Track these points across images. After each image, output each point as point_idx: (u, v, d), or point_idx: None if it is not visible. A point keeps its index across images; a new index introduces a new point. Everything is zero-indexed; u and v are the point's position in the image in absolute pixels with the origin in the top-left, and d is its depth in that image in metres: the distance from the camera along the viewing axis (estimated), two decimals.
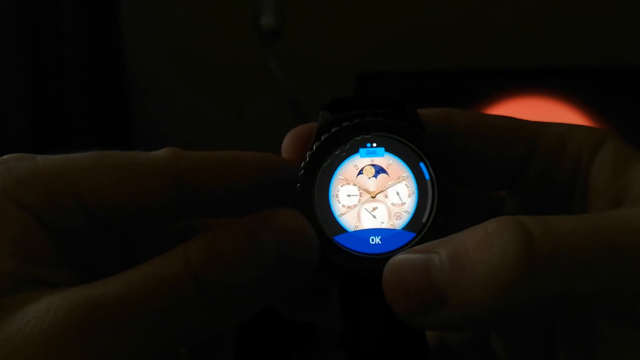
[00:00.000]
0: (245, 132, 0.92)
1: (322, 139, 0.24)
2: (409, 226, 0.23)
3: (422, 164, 0.24)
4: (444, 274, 0.21)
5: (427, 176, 0.24)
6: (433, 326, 0.22)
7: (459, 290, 0.20)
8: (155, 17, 0.96)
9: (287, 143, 0.26)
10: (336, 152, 0.24)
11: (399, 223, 0.24)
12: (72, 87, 0.82)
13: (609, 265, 0.20)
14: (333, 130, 0.24)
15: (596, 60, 0.89)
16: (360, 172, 0.24)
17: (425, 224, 0.24)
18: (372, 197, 0.24)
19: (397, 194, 0.24)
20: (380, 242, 0.24)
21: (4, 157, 0.23)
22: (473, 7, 0.94)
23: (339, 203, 0.24)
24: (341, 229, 0.24)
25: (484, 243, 0.20)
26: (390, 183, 0.24)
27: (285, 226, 0.21)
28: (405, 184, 0.24)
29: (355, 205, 0.24)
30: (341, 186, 0.24)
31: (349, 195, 0.24)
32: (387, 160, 0.24)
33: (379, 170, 0.24)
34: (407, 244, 0.23)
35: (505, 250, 0.20)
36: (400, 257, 0.22)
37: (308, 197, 0.24)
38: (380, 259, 0.23)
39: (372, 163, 0.24)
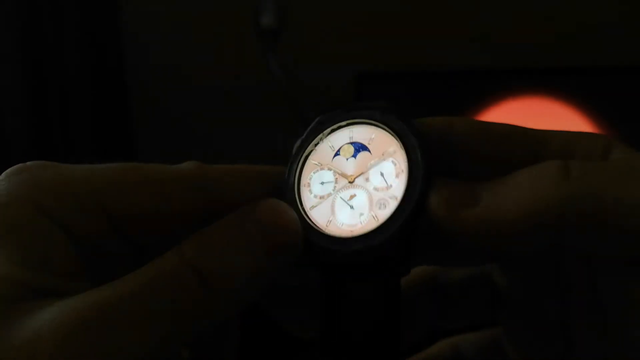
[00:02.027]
0: (245, 132, 0.92)
1: (306, 130, 0.23)
2: (397, 216, 0.20)
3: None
4: (486, 188, 0.22)
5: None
6: (462, 225, 0.22)
7: (493, 196, 0.22)
8: (155, 17, 0.96)
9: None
10: (319, 143, 0.22)
11: (383, 213, 0.20)
12: (72, 87, 0.83)
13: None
14: (315, 120, 0.23)
15: (596, 60, 0.89)
16: (337, 153, 0.21)
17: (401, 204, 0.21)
18: (350, 182, 0.20)
19: (382, 174, 0.20)
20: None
21: (27, 163, 0.23)
22: (473, 7, 0.94)
23: (311, 194, 0.21)
24: (312, 227, 0.21)
25: (528, 170, 0.22)
26: (372, 162, 0.20)
27: (269, 214, 0.22)
28: (393, 161, 0.20)
29: (329, 195, 0.21)
30: (313, 172, 0.21)
31: (322, 183, 0.21)
32: (369, 133, 0.20)
33: (359, 147, 0.20)
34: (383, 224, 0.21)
35: (544, 168, 0.22)
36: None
37: (292, 186, 0.22)
38: (354, 237, 0.21)
39: (350, 141, 0.21)
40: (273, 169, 0.25)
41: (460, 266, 0.29)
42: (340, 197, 0.20)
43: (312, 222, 0.21)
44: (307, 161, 0.21)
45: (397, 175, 0.19)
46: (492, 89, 0.82)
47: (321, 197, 0.20)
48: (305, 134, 0.23)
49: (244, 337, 0.28)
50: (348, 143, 0.20)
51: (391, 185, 0.19)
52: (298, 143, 0.23)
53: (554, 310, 0.26)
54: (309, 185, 0.21)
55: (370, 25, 0.94)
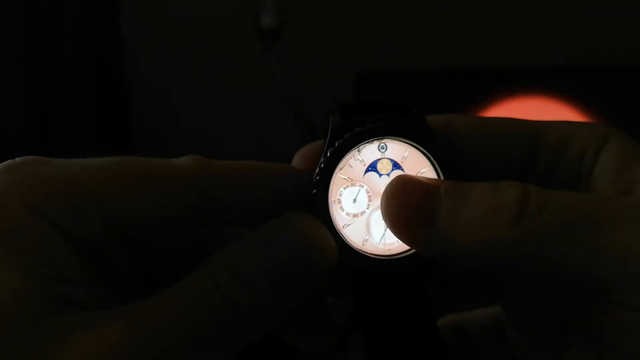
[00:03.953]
0: (245, 131, 0.92)
1: (336, 144, 0.23)
2: None
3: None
4: (443, 200, 0.21)
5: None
6: (415, 241, 0.22)
7: (449, 218, 0.21)
8: (155, 17, 0.96)
9: (297, 161, 0.26)
10: (350, 158, 0.23)
11: None
12: (72, 87, 0.82)
13: (588, 234, 0.21)
14: (346, 135, 0.23)
15: (596, 60, 0.89)
16: (370, 169, 0.21)
17: None
18: None
19: None
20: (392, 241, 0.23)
21: (17, 160, 0.22)
22: (473, 7, 0.94)
23: (342, 211, 0.21)
24: (347, 247, 0.21)
25: (489, 191, 0.21)
26: None
27: (303, 236, 0.21)
28: None
29: (362, 213, 0.21)
30: (344, 188, 0.21)
31: (354, 201, 0.21)
32: (402, 151, 0.21)
33: (393, 165, 0.21)
34: None
35: (504, 200, 0.21)
36: (409, 174, 0.22)
37: (325, 203, 0.22)
38: (397, 258, 0.23)
39: (383, 156, 0.21)
40: (278, 167, 0.24)
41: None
42: (376, 216, 0.20)
43: (347, 241, 0.21)
44: (336, 175, 0.21)
45: None
46: (492, 89, 0.82)
47: (354, 215, 0.20)
48: (333, 147, 0.23)
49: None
50: (386, 159, 0.20)
51: None
52: (325, 154, 0.23)
53: (553, 301, 0.26)
54: (339, 202, 0.21)
55: (370, 25, 0.94)
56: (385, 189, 0.21)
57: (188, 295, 0.20)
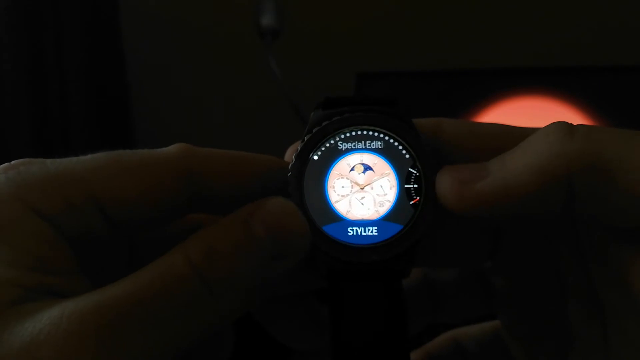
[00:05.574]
0: (245, 131, 0.92)
1: (314, 131, 0.26)
2: (392, 214, 0.27)
3: (410, 159, 0.26)
4: (492, 162, 0.24)
5: (415, 171, 0.26)
6: (474, 198, 0.23)
7: (502, 164, 0.23)
8: (155, 17, 0.96)
9: (289, 157, 0.27)
10: (326, 144, 0.26)
11: (382, 210, 0.27)
12: (72, 88, 0.83)
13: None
14: (324, 123, 0.26)
15: (596, 60, 0.89)
16: (352, 169, 0.28)
17: (414, 216, 0.26)
18: (361, 188, 0.27)
19: (381, 187, 0.27)
20: (366, 234, 0.26)
21: (13, 162, 0.23)
22: (473, 7, 0.94)
23: (335, 192, 0.27)
24: (335, 216, 0.27)
25: (535, 135, 0.23)
26: (375, 178, 0.27)
27: (275, 215, 0.22)
28: (388, 179, 0.27)
29: (347, 195, 0.27)
30: (337, 179, 0.27)
31: (342, 187, 0.27)
32: (373, 159, 0.28)
33: (367, 167, 0.28)
34: (394, 235, 0.26)
35: (551, 127, 0.22)
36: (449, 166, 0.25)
37: (299, 186, 0.26)
38: (366, 248, 0.26)
39: (361, 162, 0.28)
40: (264, 158, 0.25)
41: (456, 267, 0.30)
42: (355, 197, 0.27)
43: (318, 224, 0.26)
44: (332, 172, 0.27)
45: (390, 188, 0.27)
46: (492, 89, 0.82)
47: (342, 196, 0.27)
48: (310, 134, 0.26)
49: (237, 343, 0.28)
50: (360, 163, 0.27)
51: (386, 194, 0.27)
52: (303, 140, 0.26)
53: (551, 308, 0.26)
54: (334, 187, 0.27)
55: (370, 25, 0.94)
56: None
57: (159, 271, 0.21)
